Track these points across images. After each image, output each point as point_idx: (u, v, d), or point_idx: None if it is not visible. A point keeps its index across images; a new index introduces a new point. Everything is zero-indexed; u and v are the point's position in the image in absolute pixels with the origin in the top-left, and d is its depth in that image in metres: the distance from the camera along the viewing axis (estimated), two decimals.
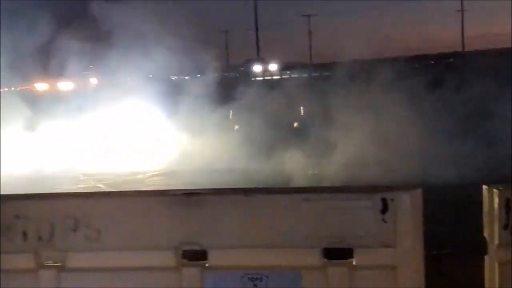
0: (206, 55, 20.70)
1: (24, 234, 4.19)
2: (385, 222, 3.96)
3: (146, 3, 20.45)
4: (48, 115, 20.28)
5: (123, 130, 19.63)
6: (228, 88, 20.91)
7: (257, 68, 42.41)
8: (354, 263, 3.96)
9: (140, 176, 16.75)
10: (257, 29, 63.39)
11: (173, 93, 20.21)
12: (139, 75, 20.56)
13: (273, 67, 42.20)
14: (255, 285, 4.00)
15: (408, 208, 3.99)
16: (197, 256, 4.12)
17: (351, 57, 19.95)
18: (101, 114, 19.99)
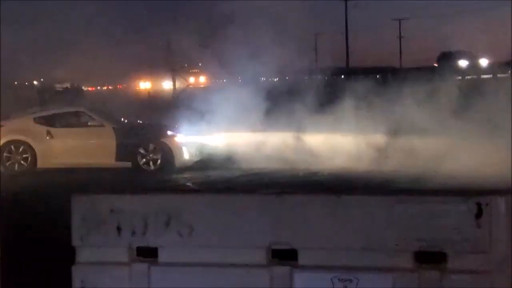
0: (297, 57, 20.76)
1: (118, 229, 4.27)
2: (479, 227, 3.90)
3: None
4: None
5: None
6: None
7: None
8: (446, 267, 3.91)
9: None
10: (347, 32, 63.14)
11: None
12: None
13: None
14: (345, 286, 3.99)
15: (503, 213, 3.91)
16: (287, 255, 4.13)
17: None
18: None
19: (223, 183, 15.23)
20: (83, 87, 44.17)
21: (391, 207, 3.95)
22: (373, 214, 3.98)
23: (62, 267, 4.66)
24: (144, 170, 17.02)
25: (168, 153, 17.16)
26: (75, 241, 4.30)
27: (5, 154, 17.24)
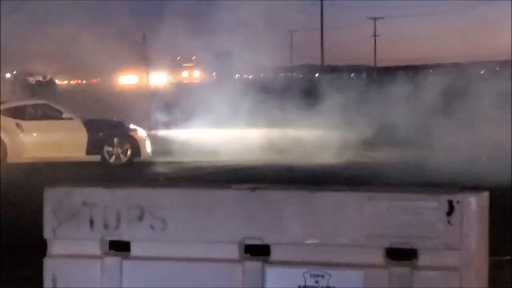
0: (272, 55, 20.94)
1: (91, 222, 4.26)
2: (450, 224, 3.94)
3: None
4: None
5: None
6: None
7: None
8: (417, 264, 3.95)
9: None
10: (322, 30, 63.24)
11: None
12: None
13: None
14: (317, 282, 4.01)
15: (474, 211, 3.95)
16: (259, 251, 4.15)
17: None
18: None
19: (197, 176, 15.25)
20: (56, 81, 43.87)
21: (363, 203, 3.98)
22: (345, 210, 4.00)
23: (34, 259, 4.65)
24: (110, 164, 16.94)
25: (135, 147, 17.14)
26: (47, 234, 4.28)
27: None
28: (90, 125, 17.28)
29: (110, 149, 17.11)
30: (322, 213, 4.02)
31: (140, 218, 4.24)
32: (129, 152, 17.13)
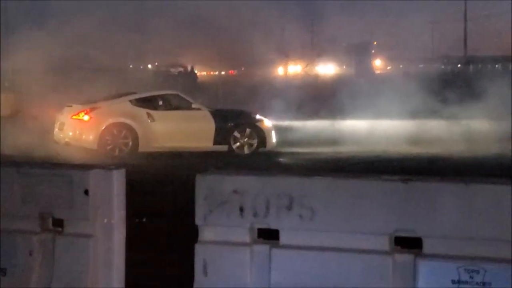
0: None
1: (241, 209, 4.29)
2: None
3: None
4: None
5: None
6: None
7: None
8: None
9: None
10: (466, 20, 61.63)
11: None
12: None
13: None
14: (471, 277, 3.89)
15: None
16: (411, 243, 4.06)
17: None
18: None
19: (336, 167, 15.19)
20: (196, 71, 44.75)
21: None
22: (503, 203, 3.86)
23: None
24: (237, 154, 17.05)
25: (261, 137, 17.20)
26: (198, 220, 4.34)
27: (106, 137, 16.44)
28: (218, 115, 17.41)
29: (238, 138, 17.22)
30: (478, 206, 3.89)
31: (289, 207, 4.23)
32: (255, 142, 17.20)
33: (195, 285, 4.31)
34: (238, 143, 17.20)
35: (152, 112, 17.08)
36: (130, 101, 17.30)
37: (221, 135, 17.08)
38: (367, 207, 4.12)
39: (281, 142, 18.16)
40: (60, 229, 4.42)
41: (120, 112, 16.86)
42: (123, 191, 4.43)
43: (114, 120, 16.73)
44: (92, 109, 16.86)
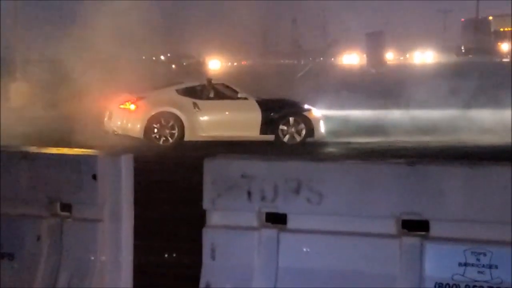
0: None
1: (249, 193, 4.30)
2: None
3: None
4: None
5: None
6: None
7: None
8: None
9: None
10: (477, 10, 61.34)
11: None
12: None
13: None
14: (478, 259, 3.89)
15: None
16: (418, 226, 4.06)
17: None
18: None
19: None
20: (208, 62, 44.79)
21: None
22: (509, 186, 3.85)
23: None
24: (285, 144, 16.97)
25: (309, 127, 17.09)
26: (206, 204, 4.35)
27: (152, 127, 16.53)
28: (265, 104, 17.27)
29: (285, 128, 17.13)
30: (484, 189, 3.89)
31: (297, 191, 4.24)
32: (303, 132, 17.09)
33: (203, 269, 4.32)
34: (285, 133, 17.14)
35: (198, 101, 17.06)
36: (177, 90, 17.32)
37: (268, 125, 17.01)
38: (374, 191, 4.13)
39: (333, 132, 18.09)
40: (68, 214, 4.45)
41: (166, 102, 16.87)
42: (131, 176, 4.44)
43: (160, 109, 16.76)
44: (139, 99, 16.95)
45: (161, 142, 16.61)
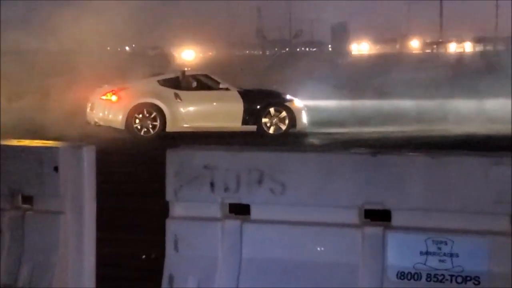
0: None
1: (212, 184, 4.30)
2: None
3: None
4: None
5: None
6: None
7: None
8: None
9: None
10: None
11: None
12: None
13: None
14: (439, 248, 3.93)
15: None
16: (380, 216, 4.09)
17: None
18: None
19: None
20: (173, 53, 44.61)
21: (488, 168, 3.86)
22: (470, 175, 3.90)
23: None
24: (266, 134, 16.94)
25: (292, 117, 17.08)
26: (169, 196, 4.34)
27: (133, 118, 16.49)
28: (246, 95, 17.24)
29: (266, 119, 17.10)
30: (445, 178, 3.93)
31: (260, 181, 4.24)
32: (285, 123, 17.06)
33: (166, 260, 4.32)
34: (267, 124, 17.12)
35: (179, 92, 17.00)
36: (158, 81, 17.25)
37: (250, 115, 16.98)
38: (337, 181, 4.15)
39: (314, 122, 18.16)
40: (29, 206, 4.42)
41: (148, 92, 16.83)
42: (93, 168, 4.42)
43: (142, 100, 16.74)
44: (120, 89, 16.89)
45: (142, 133, 16.56)
